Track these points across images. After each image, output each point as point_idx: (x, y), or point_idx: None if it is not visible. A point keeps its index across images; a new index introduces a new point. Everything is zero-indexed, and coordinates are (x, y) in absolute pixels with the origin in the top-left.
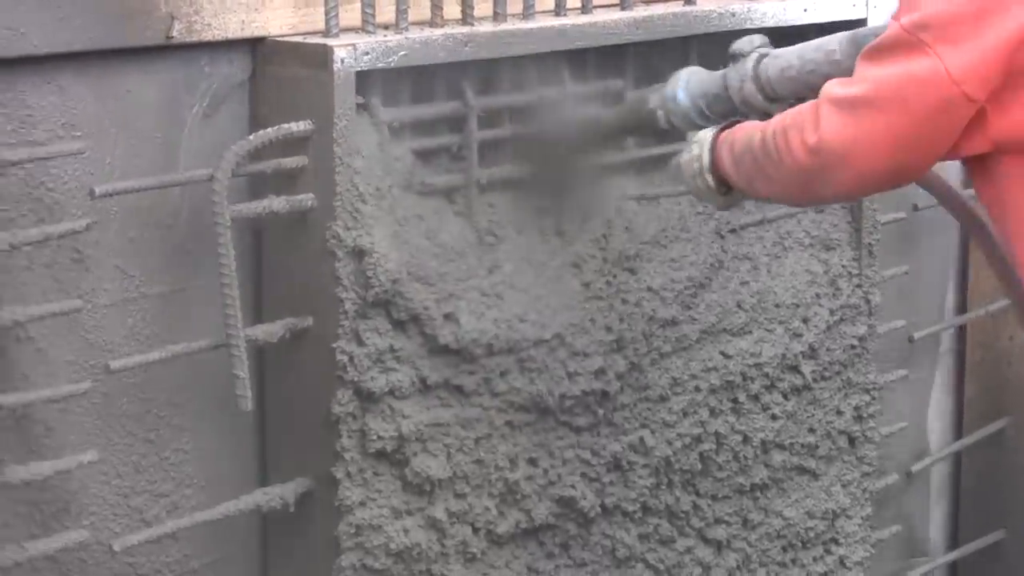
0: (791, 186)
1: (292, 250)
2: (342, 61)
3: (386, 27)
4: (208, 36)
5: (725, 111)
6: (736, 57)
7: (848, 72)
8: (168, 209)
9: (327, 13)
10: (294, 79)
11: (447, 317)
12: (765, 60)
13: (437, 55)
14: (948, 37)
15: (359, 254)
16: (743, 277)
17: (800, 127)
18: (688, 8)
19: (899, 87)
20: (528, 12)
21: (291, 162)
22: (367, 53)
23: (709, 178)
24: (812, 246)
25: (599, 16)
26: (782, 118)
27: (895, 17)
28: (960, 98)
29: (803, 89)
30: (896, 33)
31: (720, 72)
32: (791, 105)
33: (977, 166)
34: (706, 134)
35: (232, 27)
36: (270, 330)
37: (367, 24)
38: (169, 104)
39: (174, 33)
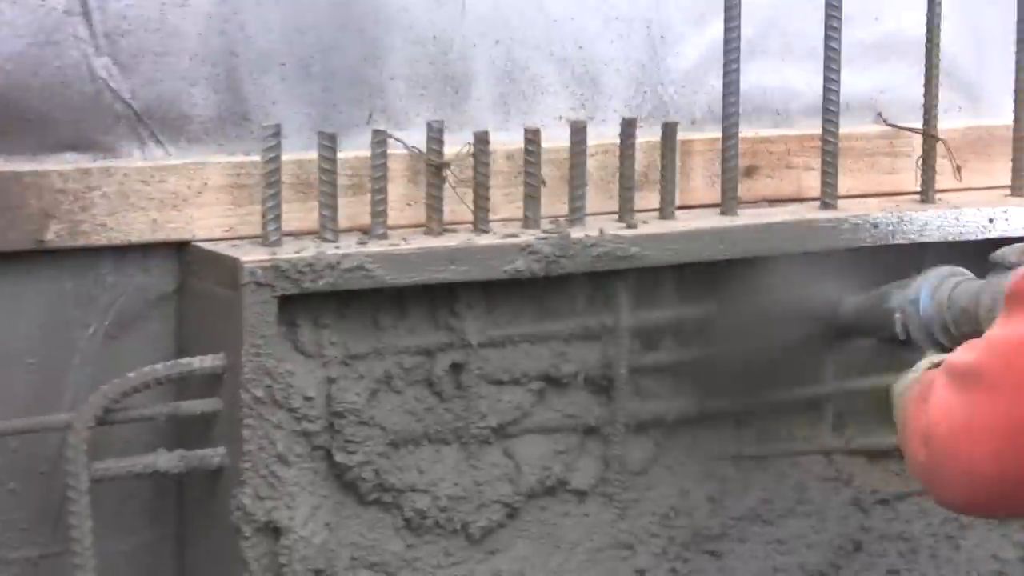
0: (919, 476)
1: (206, 518)
2: (255, 280)
3: (363, 231)
4: (103, 240)
5: (973, 333)
6: (997, 267)
7: None
8: (43, 456)
9: (265, 212)
10: (212, 297)
11: None
12: None
13: (407, 274)
14: None
15: (273, 532)
16: (893, 564)
17: (920, 398)
18: (817, 215)
19: (1014, 353)
20: (576, 216)
21: (193, 407)
22: (299, 269)
23: None
24: (1002, 525)
25: (677, 224)
26: (918, 375)
27: None
28: None
29: None
30: None
31: (980, 282)
32: None
33: None
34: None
35: (138, 229)
36: None
37: (326, 228)
38: (51, 323)
39: (50, 235)
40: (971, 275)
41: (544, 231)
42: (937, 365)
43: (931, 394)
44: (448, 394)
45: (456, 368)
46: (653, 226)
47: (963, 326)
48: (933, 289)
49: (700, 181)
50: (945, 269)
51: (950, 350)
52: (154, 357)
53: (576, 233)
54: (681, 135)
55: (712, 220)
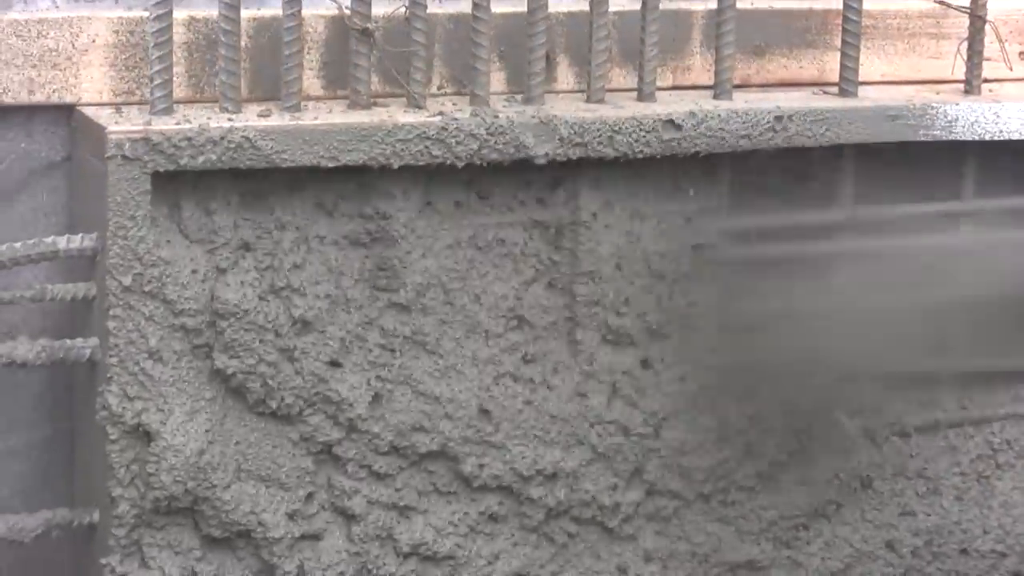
0: None
1: (87, 416)
2: (122, 152)
3: (268, 100)
4: None
5: None
6: None
7: None
8: None
9: (152, 76)
10: (89, 170)
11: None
12: None
13: (306, 153)
14: None
15: (144, 437)
16: (908, 504)
17: None
18: (821, 103)
19: None
20: (532, 94)
21: (63, 291)
22: (175, 144)
23: None
24: None
25: (640, 108)
26: None
27: None
28: None
29: None
30: None
31: None
32: None
33: None
34: None
35: (12, 89)
36: (21, 525)
37: (226, 98)
38: None
39: None
40: None
41: (475, 111)
42: None
43: None
44: (381, 287)
45: (384, 262)
46: (609, 109)
47: None
48: None
49: (699, 59)
50: None
51: None
52: (43, 231)
53: (509, 113)
54: (679, 4)
55: (685, 105)
